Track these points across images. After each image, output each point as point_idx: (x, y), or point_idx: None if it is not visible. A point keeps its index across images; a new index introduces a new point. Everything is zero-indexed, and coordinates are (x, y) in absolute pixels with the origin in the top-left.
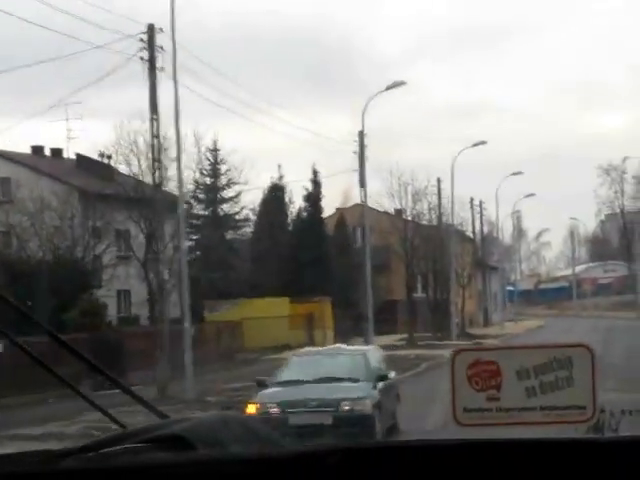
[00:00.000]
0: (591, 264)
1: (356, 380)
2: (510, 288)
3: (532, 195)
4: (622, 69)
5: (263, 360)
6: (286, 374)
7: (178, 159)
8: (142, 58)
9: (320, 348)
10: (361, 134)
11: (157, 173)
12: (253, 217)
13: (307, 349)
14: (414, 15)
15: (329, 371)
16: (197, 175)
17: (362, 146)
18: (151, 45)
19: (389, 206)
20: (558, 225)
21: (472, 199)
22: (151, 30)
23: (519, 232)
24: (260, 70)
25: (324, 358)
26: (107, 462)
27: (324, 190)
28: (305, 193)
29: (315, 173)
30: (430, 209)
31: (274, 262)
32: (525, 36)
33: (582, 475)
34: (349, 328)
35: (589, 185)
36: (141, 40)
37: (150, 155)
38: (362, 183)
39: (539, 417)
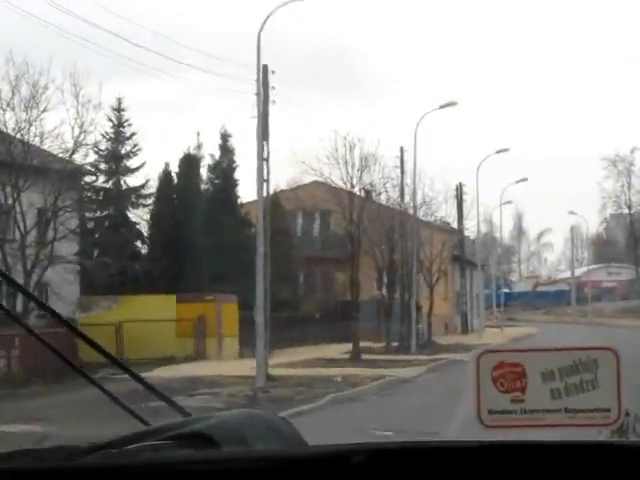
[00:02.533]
0: (594, 266)
1: None
2: (506, 290)
3: (524, 180)
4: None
5: (105, 380)
6: None
7: None
8: None
9: None
10: (265, 69)
11: None
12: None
13: None
14: None
15: None
16: (93, 137)
17: (266, 80)
18: None
19: (330, 175)
20: (560, 225)
21: (460, 185)
22: None
23: (519, 231)
24: None
25: None
26: (130, 459)
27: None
28: (211, 163)
29: (225, 138)
30: (383, 180)
31: (175, 250)
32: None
33: (604, 478)
34: (276, 337)
35: (593, 179)
36: None
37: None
38: (264, 134)
39: (563, 419)
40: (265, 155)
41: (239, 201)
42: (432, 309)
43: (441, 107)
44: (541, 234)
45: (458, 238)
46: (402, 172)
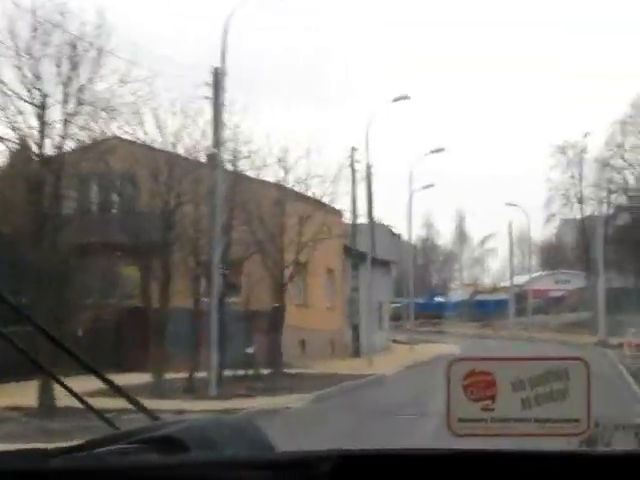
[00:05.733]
0: (539, 273)
1: None
2: (439, 299)
3: (440, 150)
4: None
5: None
6: None
7: None
8: None
9: None
10: None
11: None
12: None
13: None
14: None
15: None
16: None
17: None
18: None
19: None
20: (505, 229)
21: (352, 149)
22: None
23: (461, 235)
24: None
25: None
26: (99, 463)
27: None
28: None
29: None
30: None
31: None
32: None
33: None
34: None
35: (538, 168)
36: None
37: None
38: None
39: (533, 429)
40: None
41: None
42: (282, 319)
43: None
44: (484, 239)
45: (351, 223)
46: (217, 99)
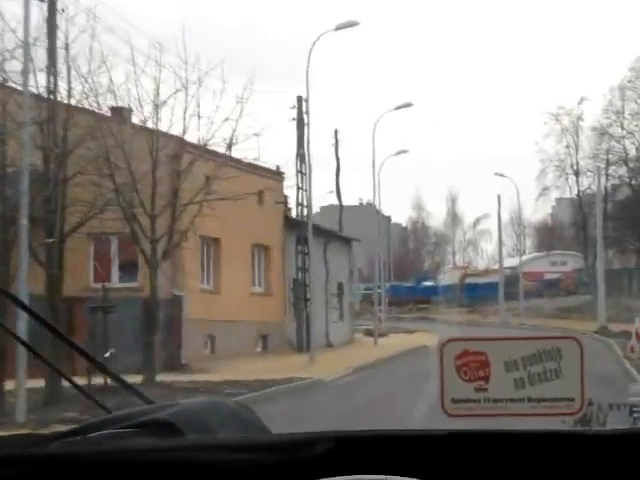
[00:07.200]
0: (534, 254)
1: None
2: (428, 283)
3: (408, 106)
4: None
5: None
6: None
7: None
8: None
9: None
10: None
11: None
12: None
13: None
14: None
15: None
16: None
17: None
18: None
19: None
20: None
21: (299, 99)
22: None
23: (453, 217)
24: None
25: None
26: (93, 447)
27: None
28: None
29: None
30: None
31: None
32: None
33: (568, 467)
34: None
35: (529, 137)
36: None
37: None
38: None
39: (527, 409)
40: None
41: None
42: (155, 311)
43: None
44: (477, 220)
45: (298, 188)
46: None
